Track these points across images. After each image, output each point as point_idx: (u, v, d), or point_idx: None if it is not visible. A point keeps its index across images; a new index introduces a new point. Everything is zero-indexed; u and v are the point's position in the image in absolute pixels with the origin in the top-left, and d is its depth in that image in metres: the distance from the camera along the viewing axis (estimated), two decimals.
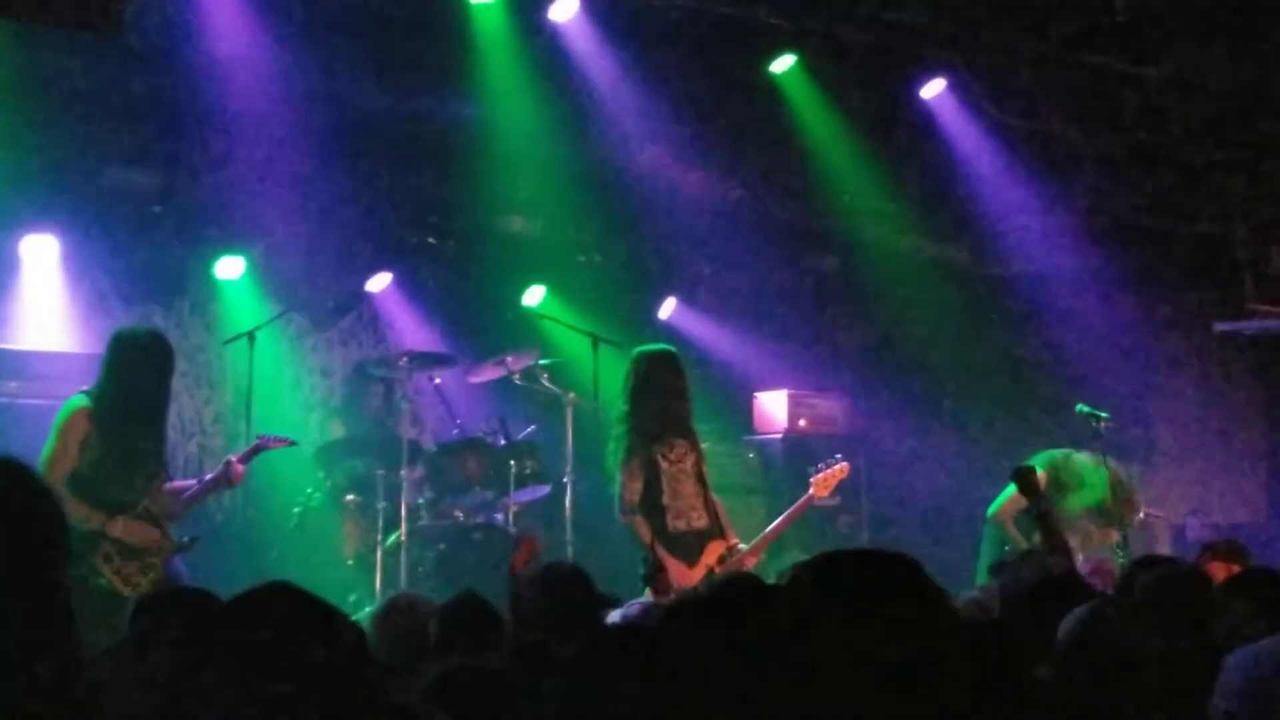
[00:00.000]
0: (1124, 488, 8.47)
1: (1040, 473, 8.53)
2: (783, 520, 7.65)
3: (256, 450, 7.25)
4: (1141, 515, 8.78)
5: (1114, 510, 8.37)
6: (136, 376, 6.53)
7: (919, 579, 2.32)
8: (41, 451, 6.39)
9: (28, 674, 2.24)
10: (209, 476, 6.99)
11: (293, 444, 7.70)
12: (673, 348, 7.67)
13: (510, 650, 4.23)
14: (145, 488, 6.55)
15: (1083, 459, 8.59)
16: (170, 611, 3.64)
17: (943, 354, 11.97)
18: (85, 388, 6.68)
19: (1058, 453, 8.70)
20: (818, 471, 7.80)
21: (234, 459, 6.97)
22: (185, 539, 6.68)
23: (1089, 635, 3.38)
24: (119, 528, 6.38)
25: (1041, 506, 5.47)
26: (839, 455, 8.08)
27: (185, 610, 3.63)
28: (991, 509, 8.77)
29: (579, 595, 4.73)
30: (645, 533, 7.22)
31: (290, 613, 2.24)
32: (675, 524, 7.27)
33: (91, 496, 6.39)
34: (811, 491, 7.71)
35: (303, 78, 9.01)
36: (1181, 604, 4.14)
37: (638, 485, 7.26)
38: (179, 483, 6.97)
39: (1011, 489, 8.63)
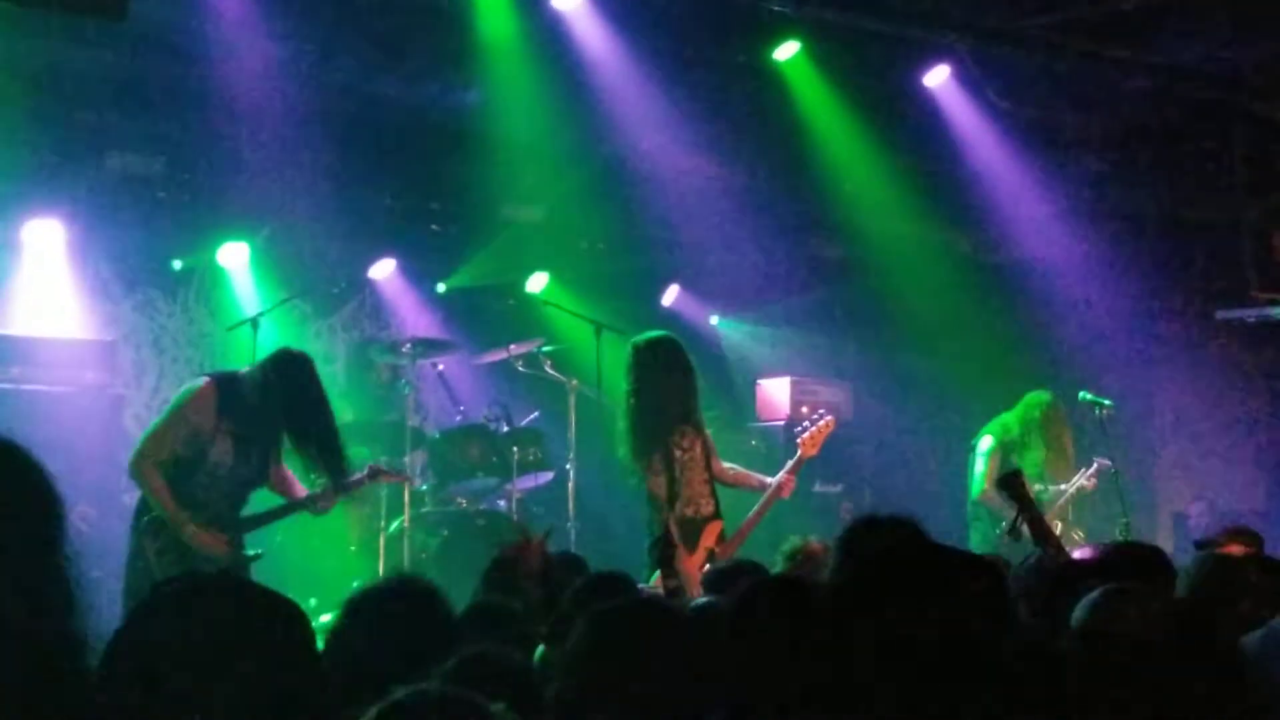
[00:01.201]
0: (1048, 398, 9.19)
1: (995, 441, 8.86)
2: (772, 492, 7.44)
3: (366, 479, 7.07)
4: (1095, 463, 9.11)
5: (1052, 412, 9.12)
6: (282, 397, 6.44)
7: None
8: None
9: (17, 654, 2.23)
10: (303, 497, 6.81)
11: (408, 480, 7.72)
12: (671, 334, 7.61)
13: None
14: (231, 495, 6.51)
15: (1010, 416, 9.23)
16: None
17: (945, 341, 11.97)
18: (217, 372, 6.63)
19: (995, 422, 9.22)
20: (804, 431, 7.72)
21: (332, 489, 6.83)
22: (251, 553, 6.60)
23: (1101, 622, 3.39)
24: (187, 531, 6.32)
25: (1031, 513, 5.47)
26: (822, 411, 8.04)
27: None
28: (974, 493, 8.87)
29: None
30: (675, 529, 7.19)
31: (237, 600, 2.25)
32: (685, 511, 7.25)
33: (175, 482, 6.36)
34: (800, 452, 7.59)
35: (306, 64, 9.01)
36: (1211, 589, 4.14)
37: (663, 480, 7.22)
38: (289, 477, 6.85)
39: (983, 467, 8.84)
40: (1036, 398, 9.28)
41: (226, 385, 6.46)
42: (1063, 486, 9.14)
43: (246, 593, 2.29)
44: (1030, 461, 8.97)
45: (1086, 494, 9.30)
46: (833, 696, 2.25)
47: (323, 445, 6.50)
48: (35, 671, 2.23)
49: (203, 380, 6.51)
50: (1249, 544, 6.62)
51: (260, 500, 6.85)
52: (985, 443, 9.12)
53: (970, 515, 9.09)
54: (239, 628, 2.18)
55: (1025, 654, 2.56)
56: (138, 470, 6.36)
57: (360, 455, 9.14)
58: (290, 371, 6.51)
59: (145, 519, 6.37)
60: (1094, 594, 3.59)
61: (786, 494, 7.48)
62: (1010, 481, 5.40)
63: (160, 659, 2.14)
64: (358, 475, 7.00)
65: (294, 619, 2.24)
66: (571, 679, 2.84)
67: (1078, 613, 3.54)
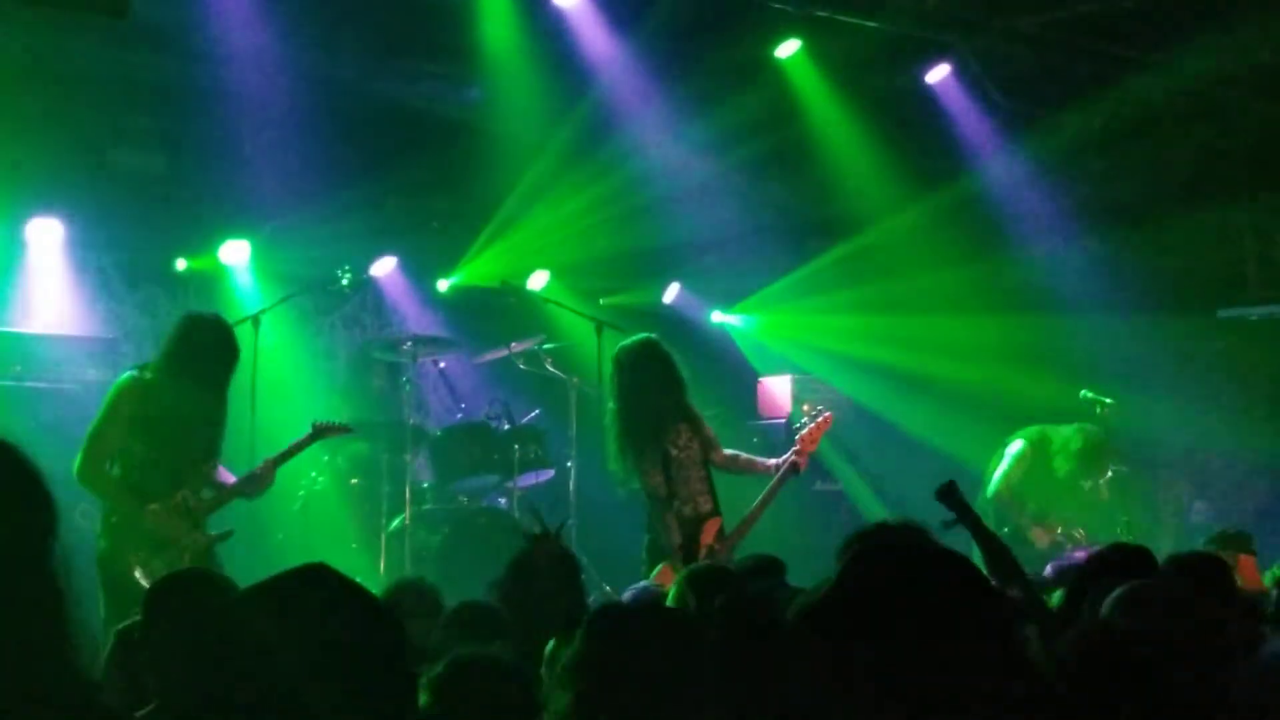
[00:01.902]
0: (1101, 444, 8.99)
1: (1026, 445, 8.81)
2: (778, 480, 7.44)
3: (314, 438, 7.15)
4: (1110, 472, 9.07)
5: (1094, 462, 8.86)
6: (198, 362, 6.47)
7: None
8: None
9: (12, 660, 2.21)
10: (242, 478, 6.82)
11: (350, 430, 7.67)
12: (652, 336, 7.61)
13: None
14: (185, 477, 6.50)
15: (1059, 432, 9.04)
16: (183, 595, 3.62)
17: (947, 338, 11.96)
18: (140, 363, 6.63)
19: (1035, 429, 9.07)
20: (803, 427, 7.68)
21: (270, 460, 6.85)
22: (219, 533, 6.62)
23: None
24: (150, 517, 6.33)
25: (969, 518, 5.34)
26: (821, 408, 8.01)
27: (198, 592, 3.61)
28: (990, 490, 8.84)
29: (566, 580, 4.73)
30: (676, 532, 7.18)
31: (330, 597, 2.19)
32: (683, 509, 7.25)
33: (128, 480, 6.37)
34: (799, 448, 7.54)
35: (308, 61, 9.01)
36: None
37: (662, 479, 7.22)
38: (224, 472, 6.83)
39: (1007, 467, 8.79)
40: (1087, 430, 9.08)
41: (149, 372, 6.50)
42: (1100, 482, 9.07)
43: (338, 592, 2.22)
44: (1046, 484, 8.91)
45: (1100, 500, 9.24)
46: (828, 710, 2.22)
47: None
48: (25, 677, 2.20)
49: (126, 374, 6.57)
50: (1241, 549, 6.67)
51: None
52: (1015, 446, 9.02)
53: (980, 512, 9.01)
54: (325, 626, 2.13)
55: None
56: (84, 475, 6.36)
57: (360, 452, 9.17)
58: (188, 331, 6.55)
59: (113, 520, 6.37)
60: (1118, 590, 3.60)
61: (802, 466, 7.45)
62: (946, 493, 5.28)
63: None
64: (302, 437, 7.07)
65: (382, 618, 2.19)
66: (576, 685, 2.83)
67: (1104, 609, 3.55)
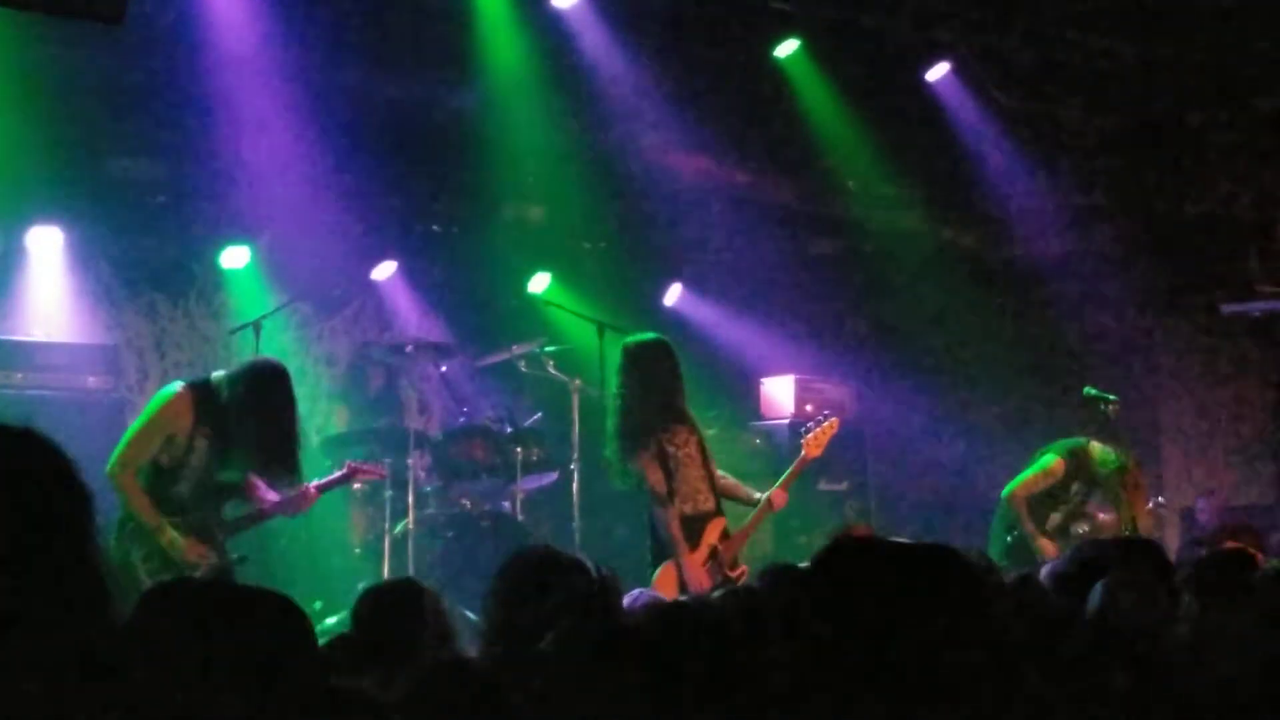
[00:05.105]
0: (1137, 476, 8.59)
1: (1058, 460, 8.58)
2: (782, 483, 7.46)
3: (344, 479, 7.17)
4: (1150, 505, 8.88)
5: (1125, 500, 8.46)
6: (259, 411, 6.31)
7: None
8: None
9: (54, 649, 2.21)
10: (279, 500, 6.73)
11: (384, 476, 7.63)
12: (661, 336, 7.62)
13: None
14: (210, 501, 6.44)
15: (1099, 449, 8.64)
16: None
17: (949, 338, 11.95)
18: (191, 378, 6.53)
19: (1073, 442, 8.73)
20: (808, 432, 7.68)
21: (313, 486, 6.80)
22: (235, 557, 6.55)
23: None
24: (166, 538, 6.26)
25: None
26: (827, 412, 8.00)
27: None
28: (1006, 489, 8.76)
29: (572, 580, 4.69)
30: (676, 527, 7.16)
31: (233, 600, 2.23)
32: (683, 508, 7.24)
33: (154, 489, 6.33)
34: (804, 453, 7.55)
35: (306, 66, 9.01)
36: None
37: (661, 475, 7.20)
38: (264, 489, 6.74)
39: (1029, 471, 8.64)
40: (1122, 459, 8.83)
41: (201, 391, 6.39)
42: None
43: (237, 591, 2.27)
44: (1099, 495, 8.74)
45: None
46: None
47: (279, 456, 6.43)
48: (75, 661, 2.20)
49: (178, 386, 6.45)
50: (1248, 542, 6.65)
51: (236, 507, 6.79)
52: (1046, 457, 8.77)
53: (997, 510, 8.87)
54: (232, 625, 2.16)
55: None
56: (117, 478, 6.32)
57: (363, 457, 9.15)
58: (263, 385, 6.41)
59: (129, 527, 6.35)
60: (1099, 583, 3.61)
61: (778, 507, 7.47)
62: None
63: (158, 658, 2.12)
64: (336, 474, 7.12)
65: (287, 612, 2.23)
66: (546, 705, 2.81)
67: (1090, 601, 3.56)
